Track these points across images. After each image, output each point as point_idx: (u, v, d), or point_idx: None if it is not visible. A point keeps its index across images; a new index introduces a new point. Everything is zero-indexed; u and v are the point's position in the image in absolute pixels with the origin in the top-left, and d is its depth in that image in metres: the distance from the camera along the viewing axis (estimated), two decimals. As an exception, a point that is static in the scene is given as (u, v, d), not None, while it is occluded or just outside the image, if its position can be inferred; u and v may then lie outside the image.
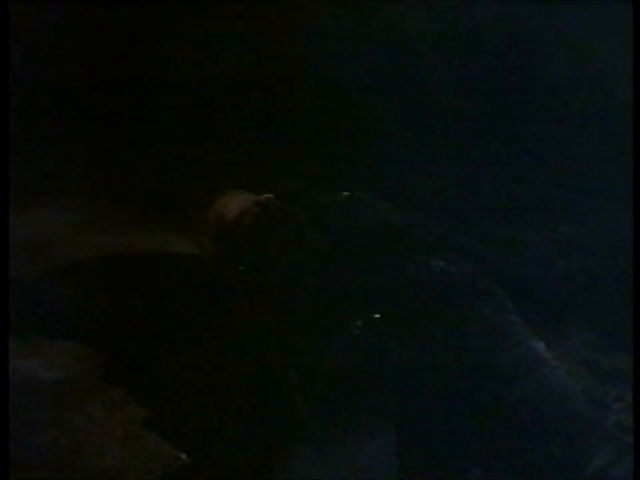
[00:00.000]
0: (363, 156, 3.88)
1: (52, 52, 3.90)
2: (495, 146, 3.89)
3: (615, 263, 3.44)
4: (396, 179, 3.85)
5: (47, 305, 3.20)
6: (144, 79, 3.98)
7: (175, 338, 3.04)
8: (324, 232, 2.86)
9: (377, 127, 3.92)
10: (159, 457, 2.57)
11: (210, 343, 2.97)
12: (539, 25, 3.82)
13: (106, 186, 4.03)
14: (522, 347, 2.52)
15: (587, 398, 2.68)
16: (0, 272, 2.50)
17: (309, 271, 2.80)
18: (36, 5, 3.76)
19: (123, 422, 2.69)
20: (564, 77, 3.85)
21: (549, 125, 3.89)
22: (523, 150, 3.90)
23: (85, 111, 3.96)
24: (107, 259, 3.54)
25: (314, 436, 2.59)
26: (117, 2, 3.88)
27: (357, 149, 3.88)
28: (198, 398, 2.83)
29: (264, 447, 2.61)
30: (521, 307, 2.79)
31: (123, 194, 3.99)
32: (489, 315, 2.59)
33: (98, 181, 4.04)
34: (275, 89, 3.92)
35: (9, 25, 2.60)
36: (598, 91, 3.81)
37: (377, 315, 2.63)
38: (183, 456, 2.58)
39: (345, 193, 3.06)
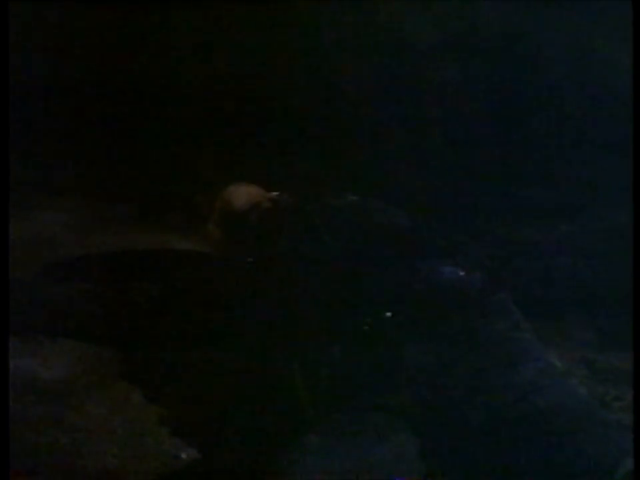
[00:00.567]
0: (366, 158, 3.88)
1: (52, 51, 3.90)
2: (496, 146, 3.89)
3: (615, 262, 3.44)
4: (396, 178, 3.85)
5: (47, 305, 3.19)
6: (145, 78, 3.98)
7: (177, 336, 3.04)
8: (335, 233, 2.88)
9: (381, 129, 3.92)
10: (159, 456, 2.57)
11: (213, 341, 2.97)
12: (539, 26, 3.82)
13: (106, 185, 4.03)
14: (542, 361, 2.60)
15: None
16: (0, 271, 2.50)
17: (318, 267, 2.81)
18: (36, 5, 3.76)
19: (123, 421, 2.69)
20: (565, 77, 3.85)
21: (550, 125, 3.89)
22: (524, 150, 3.90)
23: (86, 111, 3.96)
24: (107, 258, 3.54)
25: (319, 433, 2.60)
26: (117, 2, 3.88)
27: (361, 151, 3.88)
28: (199, 397, 2.83)
29: (266, 446, 2.61)
30: (521, 306, 2.80)
31: (123, 193, 3.99)
32: (502, 331, 2.65)
33: (98, 181, 4.04)
34: (278, 89, 3.93)
35: (9, 25, 2.60)
36: (598, 91, 3.81)
37: (388, 314, 2.66)
38: (183, 455, 2.58)
39: (355, 197, 3.07)
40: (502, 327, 2.67)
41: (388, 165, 3.88)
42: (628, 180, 2.88)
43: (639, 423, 2.58)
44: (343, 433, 2.58)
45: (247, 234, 3.09)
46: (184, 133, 3.97)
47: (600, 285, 3.53)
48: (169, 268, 3.45)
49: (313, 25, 3.90)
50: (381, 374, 2.64)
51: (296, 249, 2.90)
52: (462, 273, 2.76)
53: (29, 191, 3.85)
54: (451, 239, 2.93)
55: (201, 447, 2.60)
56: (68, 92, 3.93)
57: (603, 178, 3.73)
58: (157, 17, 3.91)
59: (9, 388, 2.40)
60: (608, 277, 3.51)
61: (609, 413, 2.84)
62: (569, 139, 3.84)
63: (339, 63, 3.91)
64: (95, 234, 3.72)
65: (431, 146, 3.91)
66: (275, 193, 3.16)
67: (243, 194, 3.19)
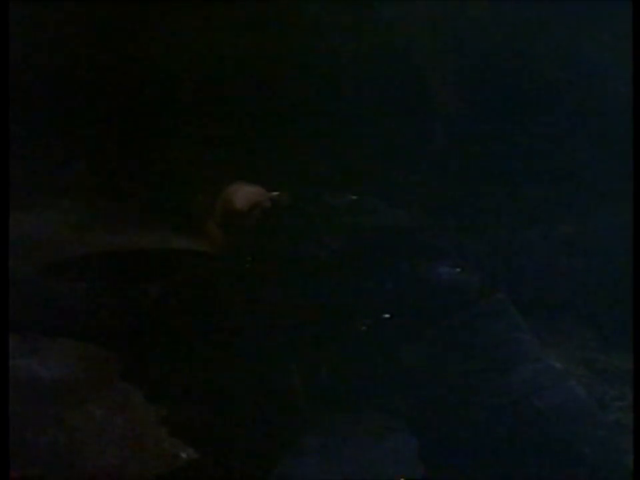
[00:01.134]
0: (366, 158, 3.88)
1: (52, 50, 3.90)
2: (495, 145, 3.89)
3: (615, 261, 3.44)
4: (395, 178, 3.85)
5: (47, 304, 3.20)
6: (145, 78, 3.98)
7: (177, 336, 3.04)
8: (334, 232, 2.88)
9: (381, 128, 3.92)
10: (159, 456, 2.57)
11: (212, 341, 2.97)
12: (537, 24, 3.81)
13: (106, 185, 4.02)
14: (541, 363, 2.60)
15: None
16: (0, 270, 2.50)
17: (317, 267, 2.82)
18: (36, 4, 3.75)
19: (123, 421, 2.69)
20: (564, 75, 3.85)
21: (550, 124, 3.89)
22: (523, 149, 3.90)
23: (86, 110, 3.96)
24: (107, 257, 3.53)
25: (318, 433, 2.60)
26: (116, 2, 3.88)
27: (360, 151, 3.88)
28: (199, 396, 2.83)
29: (265, 446, 2.61)
30: (521, 306, 2.80)
31: (123, 193, 3.99)
32: (500, 331, 2.66)
33: (98, 180, 4.04)
34: (277, 89, 3.92)
35: (9, 24, 2.60)
36: (598, 91, 3.80)
37: (387, 315, 2.66)
38: (183, 455, 2.59)
39: (354, 197, 3.08)
40: (501, 327, 2.68)
41: (387, 164, 3.88)
42: (628, 179, 2.88)
43: (639, 422, 2.58)
44: (342, 433, 2.58)
45: (247, 234, 3.10)
46: (184, 133, 3.96)
47: (600, 285, 3.53)
48: (168, 267, 3.45)
49: (310, 23, 3.90)
50: (379, 374, 2.64)
51: (295, 248, 2.90)
52: (461, 273, 2.77)
53: (28, 190, 3.85)
54: (450, 239, 2.94)
55: (201, 447, 2.61)
56: (68, 91, 3.93)
57: (603, 177, 3.74)
58: (156, 16, 3.91)
59: (8, 387, 2.40)
60: (608, 277, 3.51)
61: (609, 414, 2.84)
62: (569, 138, 3.84)
63: (338, 62, 3.91)
64: (94, 233, 3.71)
65: (430, 145, 3.91)
66: (275, 193, 3.16)
67: (243, 194, 3.19)
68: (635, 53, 3.03)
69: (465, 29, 3.84)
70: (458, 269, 2.78)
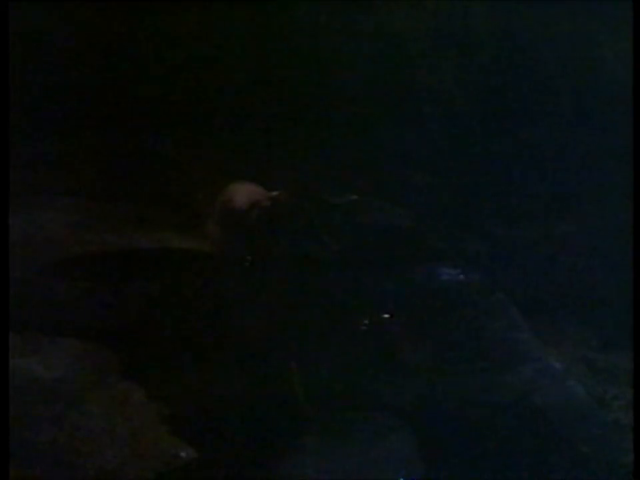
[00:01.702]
0: (365, 157, 3.89)
1: (51, 51, 3.90)
2: (495, 144, 3.89)
3: (615, 261, 3.44)
4: (395, 177, 3.85)
5: (47, 303, 3.20)
6: (144, 78, 3.98)
7: (176, 335, 3.04)
8: (334, 231, 2.89)
9: (380, 128, 3.92)
10: (159, 455, 2.57)
11: (212, 340, 2.97)
12: (536, 24, 3.82)
13: (105, 185, 4.03)
14: (541, 362, 2.60)
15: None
16: (0, 269, 2.50)
17: (317, 266, 2.82)
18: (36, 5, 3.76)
19: (123, 420, 2.69)
20: (564, 75, 3.85)
21: (549, 124, 3.89)
22: (523, 148, 3.90)
23: (85, 110, 3.96)
24: (106, 257, 3.53)
25: (318, 432, 2.60)
26: (116, 2, 3.88)
27: (360, 151, 3.88)
28: (199, 396, 2.83)
29: (265, 445, 2.61)
30: (521, 305, 2.80)
31: (122, 192, 3.99)
32: (500, 331, 2.66)
33: (97, 180, 4.04)
34: (277, 89, 3.93)
35: (9, 24, 2.60)
36: (598, 90, 3.80)
37: (387, 314, 2.67)
38: (183, 454, 2.58)
39: (354, 196, 3.08)
40: (501, 327, 2.68)
41: (387, 164, 3.88)
42: (628, 179, 2.88)
43: (639, 422, 2.58)
44: (342, 432, 2.58)
45: (247, 233, 3.10)
46: (184, 132, 3.97)
47: (600, 285, 3.53)
48: (168, 267, 3.45)
49: (308, 23, 3.90)
50: (379, 374, 2.64)
51: (295, 247, 2.90)
52: (460, 273, 2.77)
53: (28, 189, 3.85)
54: (450, 238, 2.94)
55: (200, 447, 2.61)
56: (68, 91, 3.93)
57: (603, 177, 3.73)
58: (156, 16, 3.91)
59: (8, 387, 2.40)
60: (608, 277, 3.51)
61: (608, 413, 2.84)
62: (569, 137, 3.84)
63: (338, 62, 3.91)
64: (94, 233, 3.72)
65: (429, 145, 3.91)
66: (274, 192, 3.17)
67: (242, 193, 3.20)
68: (635, 52, 3.03)
69: (465, 27, 3.85)
70: (458, 269, 2.78)
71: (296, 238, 2.94)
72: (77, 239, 3.64)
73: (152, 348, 3.00)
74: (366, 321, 2.67)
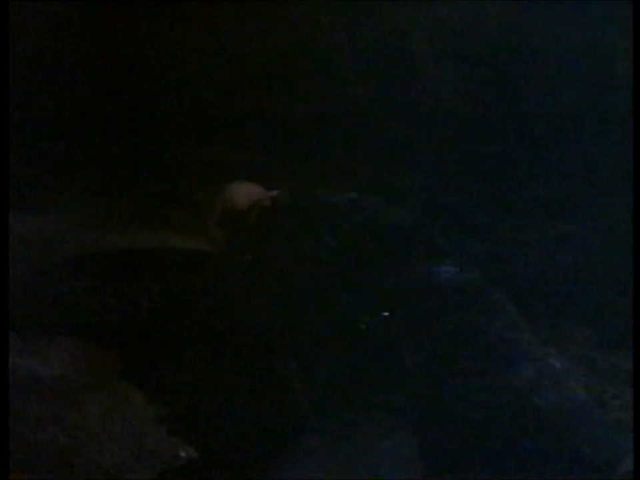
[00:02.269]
0: (365, 156, 3.89)
1: (52, 50, 3.90)
2: (495, 144, 3.89)
3: (615, 260, 3.44)
4: (395, 176, 3.85)
5: (47, 303, 3.20)
6: (145, 76, 3.98)
7: (176, 335, 3.04)
8: (333, 230, 2.89)
9: (380, 127, 3.92)
10: (158, 455, 2.57)
11: (212, 340, 2.97)
12: (539, 26, 3.82)
13: (106, 184, 4.02)
14: (541, 362, 2.60)
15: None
16: (0, 269, 2.50)
17: (317, 266, 2.82)
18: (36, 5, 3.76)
19: (123, 420, 2.69)
20: (563, 75, 3.85)
21: (549, 123, 3.89)
22: (523, 147, 3.90)
23: (86, 109, 3.96)
24: (107, 256, 3.53)
25: (317, 432, 2.60)
26: (116, 2, 3.88)
27: (360, 150, 3.88)
28: (198, 395, 2.83)
29: (264, 445, 2.61)
30: (521, 304, 2.80)
31: (123, 191, 3.99)
32: (500, 331, 2.66)
33: (98, 179, 4.04)
34: (277, 88, 3.93)
35: (9, 24, 2.60)
36: (598, 90, 3.80)
37: (386, 314, 2.67)
38: (182, 454, 2.59)
39: (354, 195, 3.08)
40: (500, 326, 2.68)
41: (387, 163, 3.88)
42: (628, 178, 2.88)
43: (639, 421, 2.58)
44: (342, 433, 2.58)
45: (247, 232, 3.10)
46: (184, 132, 3.97)
47: (600, 284, 3.53)
48: (168, 266, 3.45)
49: (311, 25, 3.90)
50: (379, 373, 2.64)
51: (295, 246, 2.91)
52: (460, 272, 2.77)
53: (28, 189, 3.85)
54: (450, 238, 2.94)
55: (200, 447, 2.61)
56: (68, 90, 3.93)
57: (603, 176, 3.73)
58: (155, 16, 3.91)
59: (8, 386, 2.40)
60: (608, 276, 3.51)
61: (608, 412, 2.84)
62: (569, 137, 3.84)
63: (338, 62, 3.91)
64: (94, 232, 3.71)
65: (429, 144, 3.91)
66: (274, 192, 3.17)
67: (243, 192, 3.21)
68: (635, 52, 3.03)
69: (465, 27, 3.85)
70: (457, 268, 2.78)
71: (295, 237, 2.95)
72: (76, 239, 3.64)
73: (152, 348, 3.00)
74: (365, 320, 2.67)
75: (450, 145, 3.90)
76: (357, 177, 3.74)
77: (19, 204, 3.32)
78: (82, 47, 3.92)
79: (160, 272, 3.41)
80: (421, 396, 2.61)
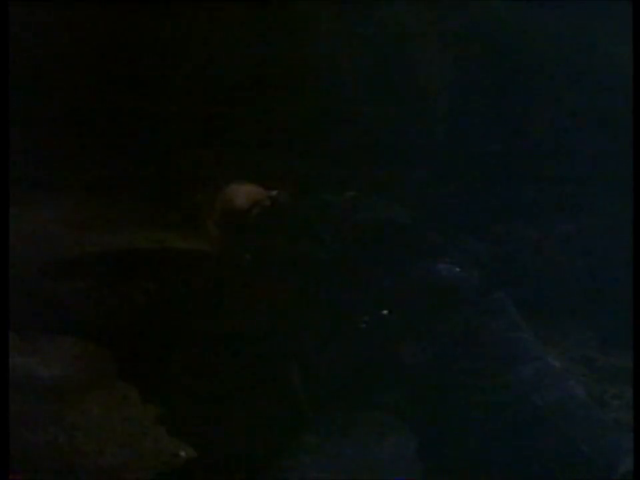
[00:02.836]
0: (364, 155, 3.89)
1: (50, 48, 3.90)
2: (495, 143, 3.89)
3: (615, 260, 3.44)
4: (394, 175, 3.85)
5: (47, 303, 3.19)
6: (145, 76, 3.98)
7: (175, 335, 3.04)
8: (332, 229, 2.89)
9: (379, 126, 3.92)
10: (158, 454, 2.57)
11: (212, 340, 2.97)
12: (537, 24, 3.82)
13: (106, 183, 4.02)
14: (541, 361, 2.59)
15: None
16: (0, 270, 2.50)
17: (317, 266, 2.82)
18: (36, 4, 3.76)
19: (122, 420, 2.69)
20: (563, 74, 3.85)
21: (549, 122, 3.89)
22: (523, 147, 3.90)
23: (86, 109, 3.96)
24: (106, 256, 3.53)
25: (317, 432, 2.60)
26: (116, 2, 3.88)
27: (359, 149, 3.88)
28: (198, 395, 2.83)
29: (264, 444, 2.61)
30: (521, 304, 2.80)
31: (122, 192, 3.99)
32: (500, 330, 2.65)
33: (98, 179, 4.04)
34: (276, 87, 3.93)
35: (9, 24, 2.60)
36: (598, 90, 3.80)
37: (385, 312, 2.67)
38: (182, 454, 2.59)
39: (353, 194, 3.08)
40: (500, 326, 2.68)
41: (386, 161, 3.88)
42: (628, 178, 2.88)
43: (639, 421, 2.58)
44: (342, 433, 2.58)
45: (247, 232, 3.10)
46: (184, 132, 3.97)
47: (600, 283, 3.53)
48: (168, 266, 3.45)
49: (309, 21, 3.90)
50: (378, 372, 2.64)
51: (295, 247, 2.90)
52: (459, 271, 2.77)
53: (27, 188, 3.85)
54: (450, 237, 2.94)
55: (200, 446, 2.61)
56: (68, 88, 3.93)
57: (603, 176, 3.73)
58: (156, 16, 3.91)
59: (8, 386, 2.40)
60: (608, 275, 3.51)
61: (608, 412, 2.84)
62: (569, 136, 3.84)
63: (337, 60, 3.91)
64: (94, 231, 3.71)
65: (428, 143, 3.91)
66: (273, 191, 3.17)
67: (242, 192, 3.20)
68: (635, 52, 3.03)
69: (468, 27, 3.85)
70: (457, 267, 2.78)
71: (295, 237, 2.94)
72: (76, 239, 3.64)
73: (151, 348, 3.00)
74: (365, 319, 2.67)
75: (450, 145, 3.91)
76: (356, 177, 3.74)
77: (18, 202, 3.32)
78: (80, 42, 3.92)
79: (159, 272, 3.41)
80: (421, 396, 2.61)
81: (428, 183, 3.86)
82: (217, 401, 2.78)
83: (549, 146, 3.87)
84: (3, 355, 2.42)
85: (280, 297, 2.84)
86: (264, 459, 2.54)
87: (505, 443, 2.49)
